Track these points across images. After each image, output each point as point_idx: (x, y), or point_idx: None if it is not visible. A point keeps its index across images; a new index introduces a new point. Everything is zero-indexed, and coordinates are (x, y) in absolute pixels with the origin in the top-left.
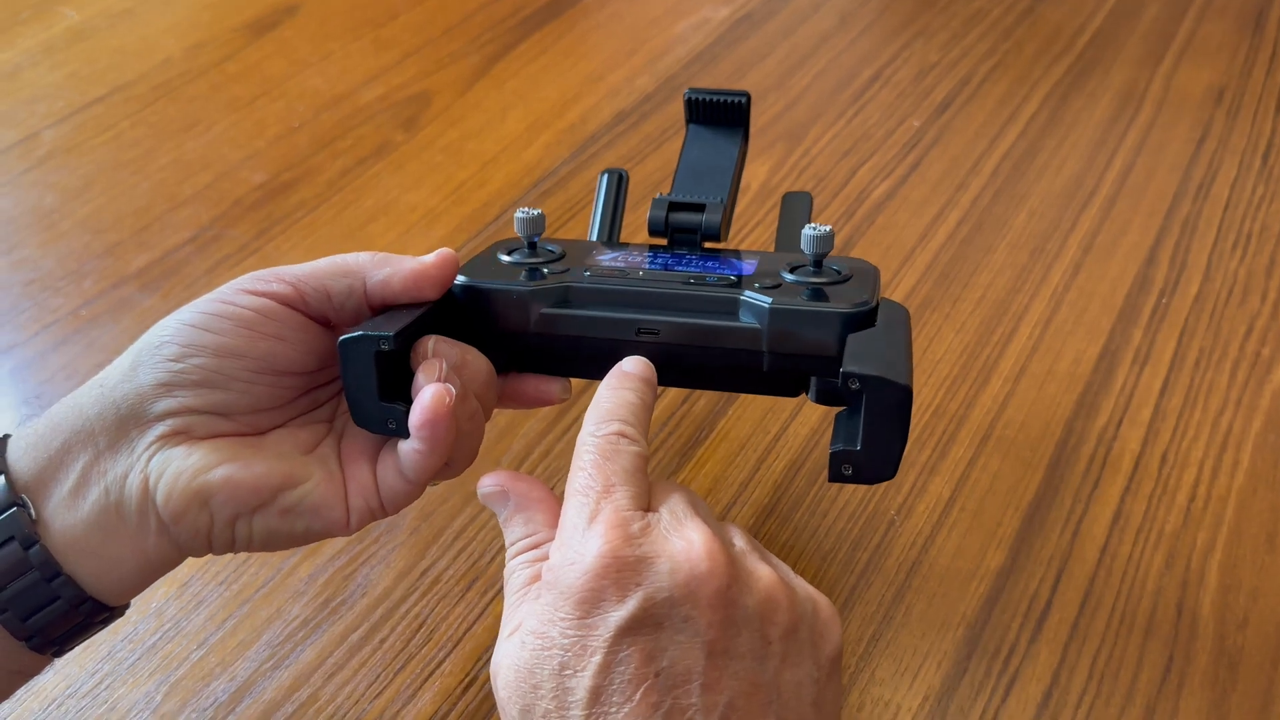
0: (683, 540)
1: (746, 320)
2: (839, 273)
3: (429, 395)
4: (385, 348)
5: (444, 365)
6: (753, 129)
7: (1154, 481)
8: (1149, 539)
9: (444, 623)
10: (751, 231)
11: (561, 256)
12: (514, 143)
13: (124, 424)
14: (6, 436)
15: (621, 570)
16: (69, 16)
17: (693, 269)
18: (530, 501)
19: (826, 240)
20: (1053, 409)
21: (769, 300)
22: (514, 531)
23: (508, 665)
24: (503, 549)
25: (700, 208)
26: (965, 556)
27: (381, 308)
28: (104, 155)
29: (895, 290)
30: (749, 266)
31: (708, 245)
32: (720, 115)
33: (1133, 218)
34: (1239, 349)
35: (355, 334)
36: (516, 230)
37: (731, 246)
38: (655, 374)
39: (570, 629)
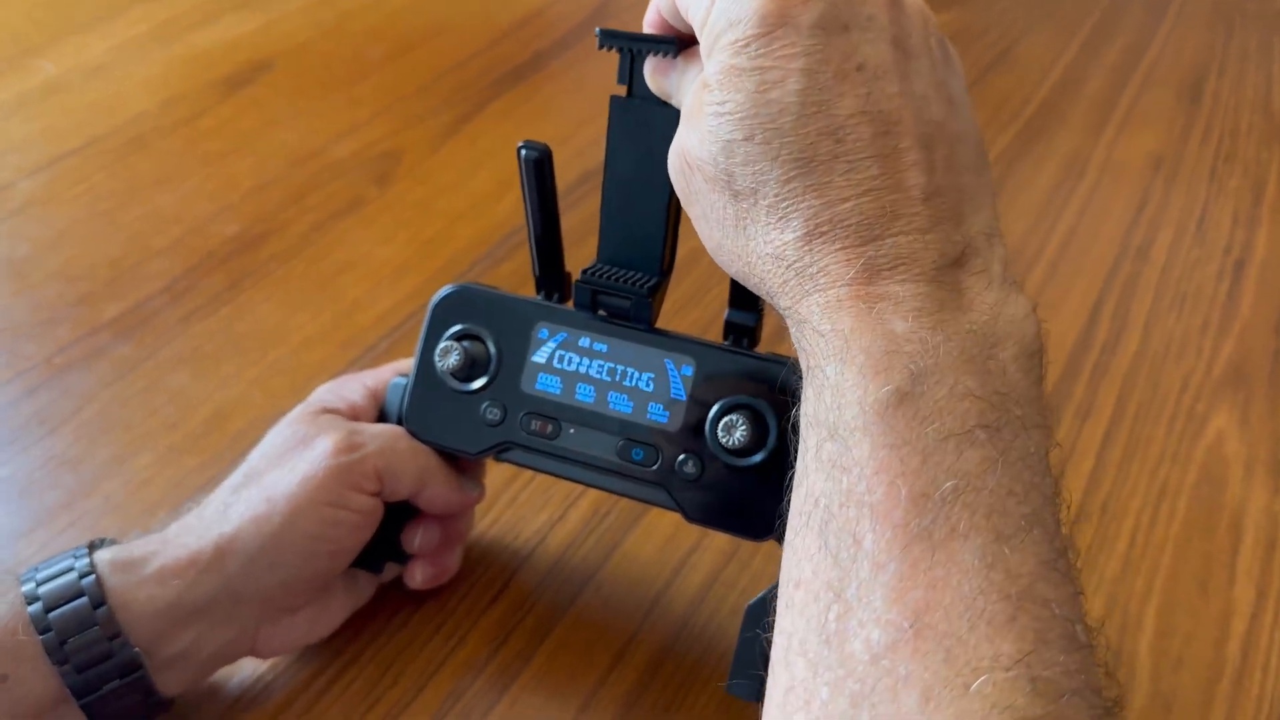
0: None
1: (669, 503)
2: (755, 442)
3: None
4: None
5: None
6: None
7: (1095, 529)
8: (1090, 585)
9: (412, 665)
10: (711, 290)
11: (496, 374)
12: (483, 199)
13: (240, 606)
14: (96, 542)
15: None
16: (45, 70)
17: (626, 387)
18: None
19: (738, 452)
20: None
21: (687, 512)
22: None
23: (697, 132)
24: (470, 594)
25: (628, 296)
26: None
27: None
28: (77, 207)
29: None
30: (684, 381)
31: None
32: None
33: (1076, 279)
34: (1175, 404)
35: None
36: (443, 368)
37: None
38: None
39: (762, 43)
